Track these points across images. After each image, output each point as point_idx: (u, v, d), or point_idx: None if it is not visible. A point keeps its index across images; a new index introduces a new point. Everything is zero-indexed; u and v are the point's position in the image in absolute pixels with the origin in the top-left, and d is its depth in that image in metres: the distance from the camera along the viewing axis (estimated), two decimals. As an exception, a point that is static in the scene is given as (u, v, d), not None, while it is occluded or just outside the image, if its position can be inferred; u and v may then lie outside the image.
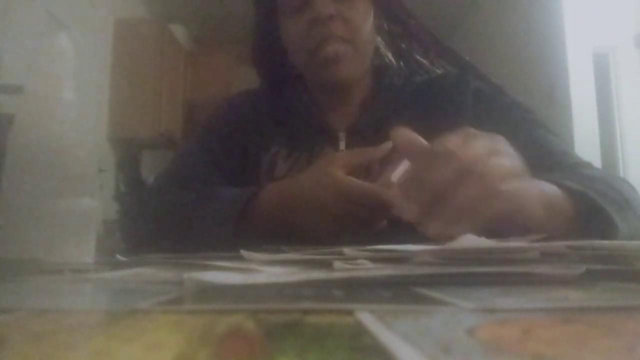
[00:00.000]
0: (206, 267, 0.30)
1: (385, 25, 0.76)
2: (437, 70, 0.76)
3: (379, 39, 0.76)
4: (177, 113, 3.69)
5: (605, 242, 0.30)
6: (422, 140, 0.41)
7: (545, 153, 0.64)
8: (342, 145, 0.70)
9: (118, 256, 0.45)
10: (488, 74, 0.75)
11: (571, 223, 0.47)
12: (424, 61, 0.76)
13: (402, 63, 0.77)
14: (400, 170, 0.52)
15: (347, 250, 0.32)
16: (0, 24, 1.96)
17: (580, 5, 2.74)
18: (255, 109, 0.77)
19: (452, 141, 0.38)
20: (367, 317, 0.16)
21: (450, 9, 3.58)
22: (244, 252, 0.34)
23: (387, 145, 0.54)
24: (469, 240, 0.28)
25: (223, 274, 0.25)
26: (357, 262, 0.28)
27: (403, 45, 0.77)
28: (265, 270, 0.28)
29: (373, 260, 0.29)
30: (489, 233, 0.32)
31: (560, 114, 2.69)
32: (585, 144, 2.56)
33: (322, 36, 0.66)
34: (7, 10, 2.00)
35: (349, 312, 0.17)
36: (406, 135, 0.41)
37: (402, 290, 0.23)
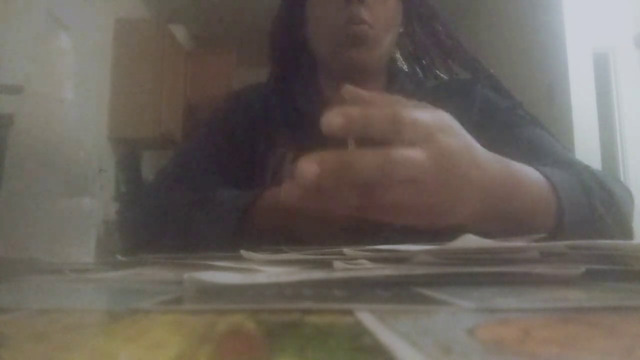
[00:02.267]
0: (206, 267, 0.30)
1: (410, 26, 0.76)
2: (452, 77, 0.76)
3: (398, 51, 0.76)
4: (177, 113, 3.69)
5: (606, 242, 0.30)
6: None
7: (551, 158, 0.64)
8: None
9: (118, 256, 0.45)
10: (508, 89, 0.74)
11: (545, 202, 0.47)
12: (442, 74, 0.76)
13: (418, 69, 0.77)
14: None
15: (347, 250, 0.32)
16: (0, 24, 1.96)
17: (580, 5, 2.74)
18: (263, 106, 0.76)
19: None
20: (367, 317, 0.16)
21: (449, 9, 3.58)
22: (244, 252, 0.34)
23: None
24: (469, 240, 0.28)
25: (223, 274, 0.25)
26: (357, 262, 0.28)
27: (425, 53, 0.77)
28: (265, 270, 0.28)
29: (373, 260, 0.29)
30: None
31: (560, 114, 2.69)
32: (585, 144, 2.56)
33: (350, 17, 0.66)
34: (7, 10, 2.00)
35: (349, 312, 0.17)
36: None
37: (402, 290, 0.23)
